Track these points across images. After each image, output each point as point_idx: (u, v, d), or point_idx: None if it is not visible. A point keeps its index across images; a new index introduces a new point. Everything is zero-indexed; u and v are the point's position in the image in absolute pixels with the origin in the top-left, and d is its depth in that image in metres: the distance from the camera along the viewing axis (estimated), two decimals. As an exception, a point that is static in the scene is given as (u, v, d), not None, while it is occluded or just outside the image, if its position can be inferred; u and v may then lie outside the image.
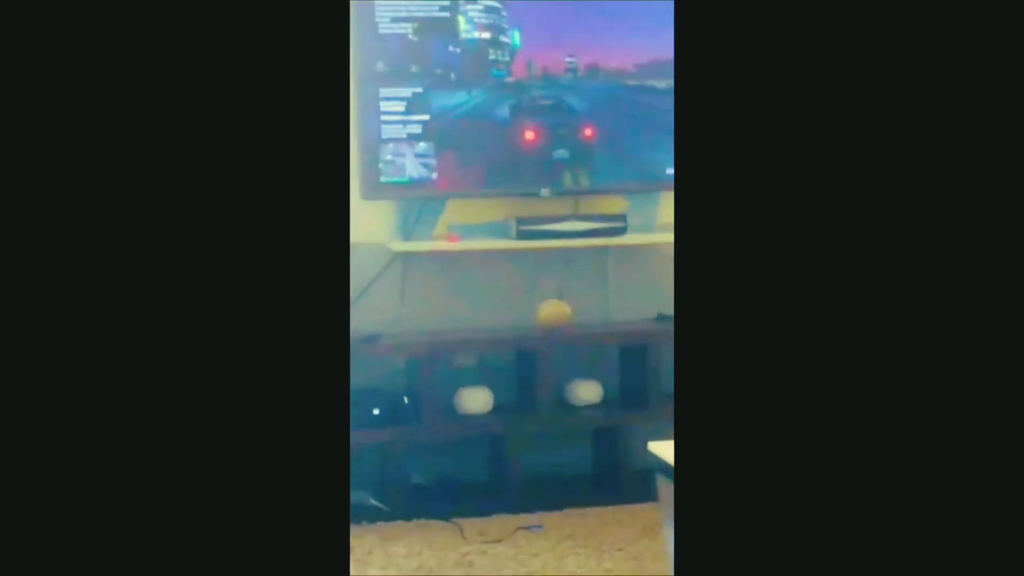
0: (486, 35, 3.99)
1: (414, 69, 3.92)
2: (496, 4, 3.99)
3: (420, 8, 3.92)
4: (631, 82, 4.06)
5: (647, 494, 3.35)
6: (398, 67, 3.90)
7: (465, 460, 4.03)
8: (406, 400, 3.84)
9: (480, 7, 3.98)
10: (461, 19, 3.97)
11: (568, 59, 4.04)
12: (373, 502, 3.74)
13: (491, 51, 3.99)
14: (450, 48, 3.95)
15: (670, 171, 4.07)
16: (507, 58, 4.00)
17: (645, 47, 4.08)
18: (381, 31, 3.88)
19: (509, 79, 4.00)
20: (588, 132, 4.05)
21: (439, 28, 3.93)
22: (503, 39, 3.99)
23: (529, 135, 4.01)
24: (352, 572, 3.17)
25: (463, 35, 3.97)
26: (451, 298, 4.06)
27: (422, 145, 3.93)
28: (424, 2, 3.92)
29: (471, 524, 3.69)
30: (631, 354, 4.05)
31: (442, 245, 3.94)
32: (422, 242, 3.97)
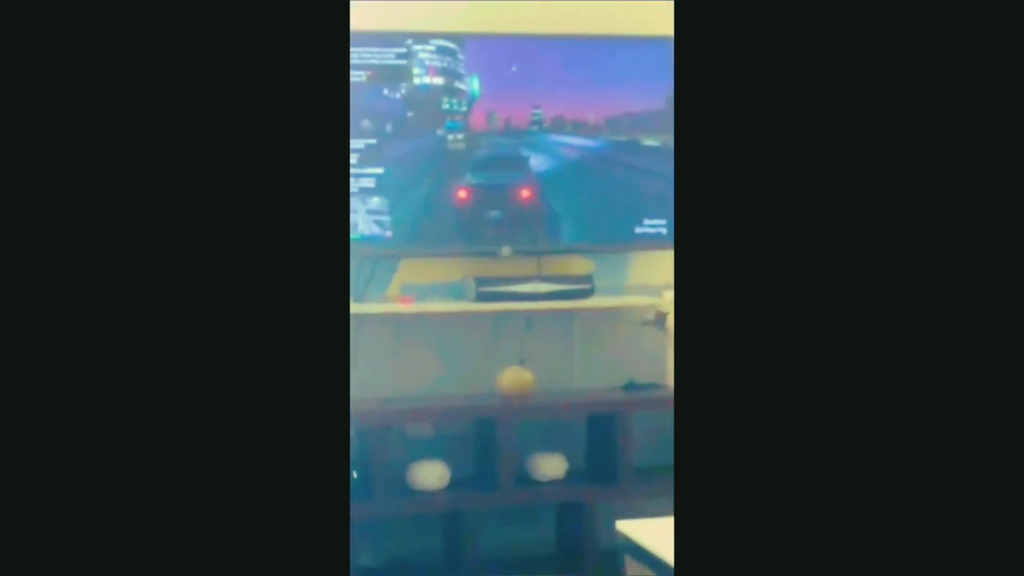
0: (439, 80, 3.79)
1: (367, 119, 3.76)
2: (451, 45, 3.78)
3: (374, 55, 3.75)
4: (600, 137, 3.93)
5: (615, 577, 3.18)
6: (351, 117, 3.71)
7: (419, 540, 3.90)
8: (355, 474, 3.71)
9: (431, 48, 3.77)
10: (411, 61, 3.78)
11: (534, 110, 3.86)
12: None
13: (445, 99, 3.79)
14: (398, 95, 3.77)
15: (640, 230, 3.99)
16: (464, 108, 3.80)
17: (617, 98, 3.93)
18: None
19: (461, 135, 3.81)
20: (551, 189, 3.93)
21: (395, 76, 3.78)
22: (459, 85, 3.79)
23: (486, 192, 3.86)
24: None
25: (414, 80, 3.78)
26: (404, 364, 3.97)
27: (375, 200, 3.75)
28: (378, 49, 3.75)
29: (424, 610, 3.55)
30: (598, 425, 3.93)
31: (395, 307, 3.85)
32: (374, 304, 3.87)
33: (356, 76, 3.73)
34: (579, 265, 4.05)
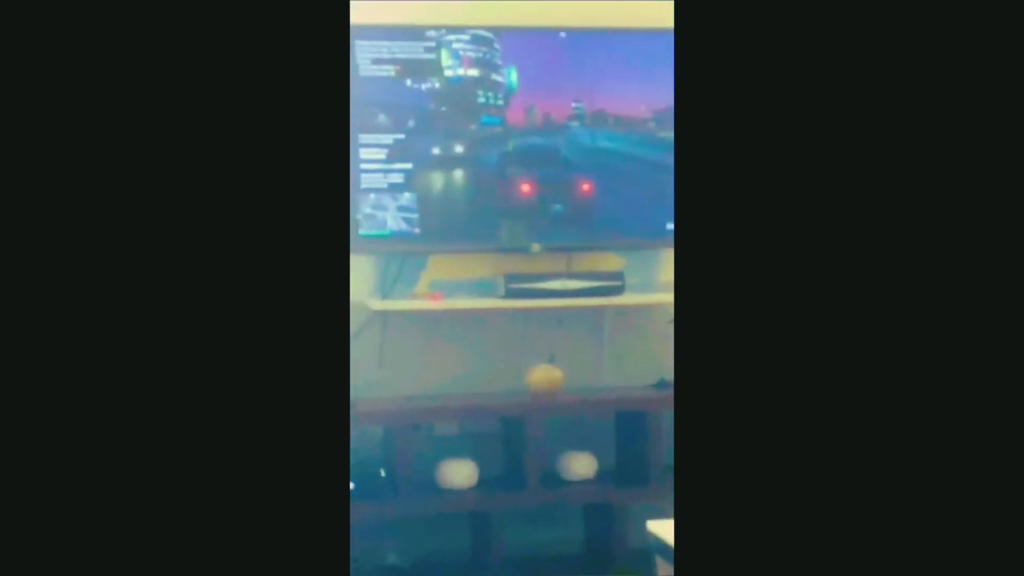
0: (473, 72, 3.73)
1: (397, 114, 3.73)
2: (487, 34, 3.72)
3: (404, 49, 3.72)
4: (643, 131, 3.87)
5: (645, 578, 3.16)
6: (379, 111, 3.71)
7: (446, 539, 3.87)
8: (383, 472, 3.69)
9: (466, 37, 3.71)
10: (443, 52, 3.72)
11: (574, 104, 3.80)
12: (344, 584, 3.49)
13: (480, 92, 3.74)
14: (424, 87, 3.71)
15: (671, 226, 3.92)
16: (501, 101, 3.74)
17: (663, 89, 3.83)
18: (361, 73, 3.69)
19: (498, 129, 3.75)
20: (584, 185, 3.89)
21: (425, 70, 3.74)
22: (496, 77, 3.73)
23: (520, 187, 3.82)
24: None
25: (445, 72, 3.73)
26: (433, 361, 3.94)
27: (405, 196, 3.73)
28: (408, 42, 3.71)
29: (451, 609, 3.51)
30: (628, 424, 3.90)
31: (424, 303, 3.84)
32: (402, 300, 3.87)
33: (384, 71, 3.69)
34: (609, 262, 4.02)
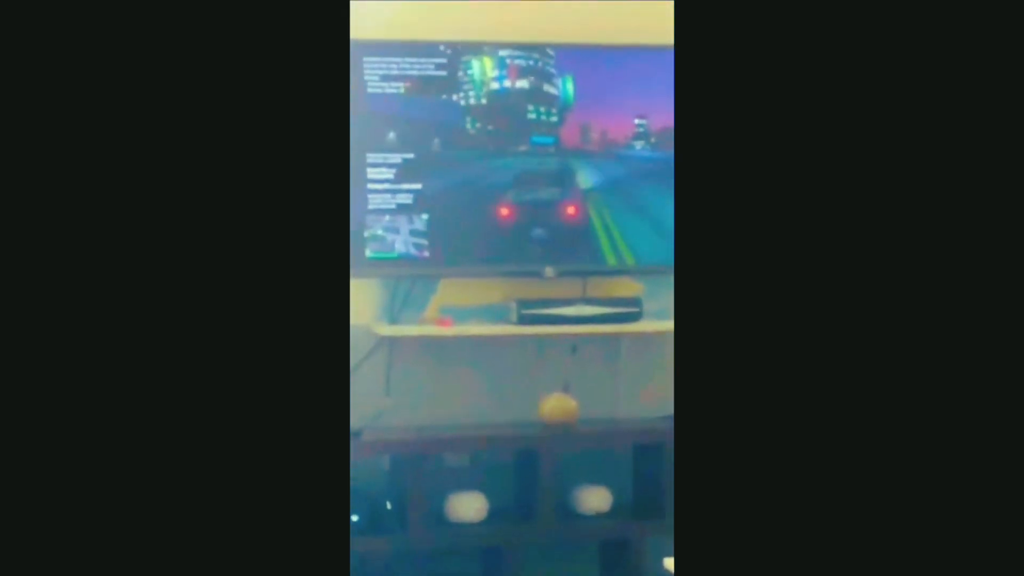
0: (524, 83, 3.61)
1: (408, 133, 3.65)
2: (539, 43, 3.59)
3: (414, 66, 3.65)
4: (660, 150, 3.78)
5: (663, 618, 3.14)
6: (387, 131, 3.65)
7: (456, 574, 3.83)
8: (389, 505, 3.68)
9: (514, 46, 3.59)
10: (488, 62, 3.60)
11: (637, 121, 3.70)
12: (348, 622, 3.43)
13: (531, 106, 3.62)
14: (465, 100, 3.62)
15: (691, 250, 3.79)
16: (555, 117, 3.64)
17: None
18: (370, 90, 3.63)
19: (551, 149, 3.64)
20: (598, 207, 3.82)
21: (436, 87, 3.66)
22: (548, 89, 3.60)
23: (529, 210, 3.74)
24: None
25: (490, 85, 3.61)
26: (442, 389, 3.91)
27: (423, 217, 3.66)
28: (418, 59, 3.65)
29: (460, 650, 3.48)
30: (645, 456, 3.88)
31: (433, 329, 3.81)
32: (411, 325, 3.83)
33: (395, 87, 3.63)
34: (626, 287, 3.98)
